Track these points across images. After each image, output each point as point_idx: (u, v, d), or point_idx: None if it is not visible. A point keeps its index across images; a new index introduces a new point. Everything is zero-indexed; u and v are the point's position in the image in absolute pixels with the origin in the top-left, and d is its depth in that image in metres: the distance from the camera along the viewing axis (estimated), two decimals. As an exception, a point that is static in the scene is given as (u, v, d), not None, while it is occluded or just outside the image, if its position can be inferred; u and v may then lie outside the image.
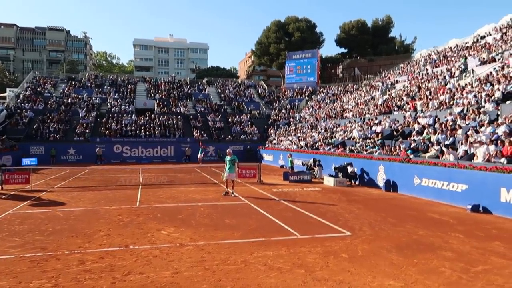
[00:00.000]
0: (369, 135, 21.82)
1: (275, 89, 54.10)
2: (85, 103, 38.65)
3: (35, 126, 33.31)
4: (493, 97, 17.96)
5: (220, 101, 45.30)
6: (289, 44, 61.90)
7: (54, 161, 30.56)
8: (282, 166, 28.48)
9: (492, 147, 12.79)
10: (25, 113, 34.95)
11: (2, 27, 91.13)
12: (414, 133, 18.33)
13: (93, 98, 40.22)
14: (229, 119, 39.85)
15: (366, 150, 19.79)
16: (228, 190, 15.34)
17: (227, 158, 15.52)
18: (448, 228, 10.04)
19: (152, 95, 43.70)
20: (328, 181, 18.87)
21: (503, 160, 12.04)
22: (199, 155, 29.10)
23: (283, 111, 42.89)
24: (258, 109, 44.12)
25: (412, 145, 16.89)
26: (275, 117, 41.19)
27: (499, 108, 16.82)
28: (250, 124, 39.44)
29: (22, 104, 36.82)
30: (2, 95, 55.10)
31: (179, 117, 38.67)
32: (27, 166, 21.00)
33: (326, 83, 50.02)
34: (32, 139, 32.09)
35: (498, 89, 18.19)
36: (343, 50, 70.05)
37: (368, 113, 25.68)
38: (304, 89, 47.88)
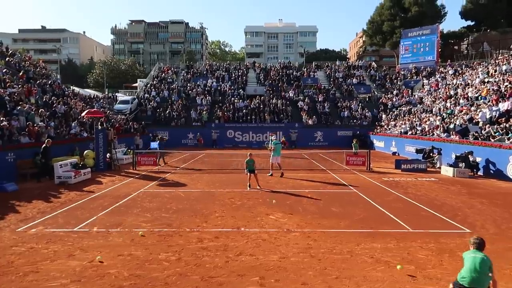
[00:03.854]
0: (498, 120, 19.32)
1: (388, 70, 51.00)
2: (202, 91, 41.70)
3: (160, 112, 37.15)
4: None
5: (329, 85, 44.55)
6: (404, 21, 57.37)
7: (215, 144, 34.12)
8: (394, 153, 27.06)
9: None
10: (152, 101, 39.24)
11: (133, 23, 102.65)
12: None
13: (209, 85, 43.14)
14: (338, 104, 39.02)
15: (494, 137, 17.63)
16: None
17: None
18: None
19: (262, 81, 45.03)
20: (447, 171, 17.37)
21: None
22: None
23: (396, 93, 40.35)
24: (369, 92, 42.22)
25: (554, 132, 14.53)
26: (387, 101, 38.99)
27: None
28: (360, 108, 38.06)
29: (150, 93, 41.35)
30: (134, 85, 62.56)
31: (287, 102, 39.23)
32: (154, 149, 23.61)
33: (447, 61, 45.22)
34: (158, 124, 35.91)
35: None
36: (469, 23, 62.35)
37: (498, 94, 22.62)
38: (421, 69, 44.20)
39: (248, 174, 14.07)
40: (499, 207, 11.02)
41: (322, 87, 43.12)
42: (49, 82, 29.47)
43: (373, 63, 53.07)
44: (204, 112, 37.16)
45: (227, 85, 43.27)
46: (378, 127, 33.85)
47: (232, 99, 39.97)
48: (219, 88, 42.85)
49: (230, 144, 34.96)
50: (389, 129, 31.60)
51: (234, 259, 6.88)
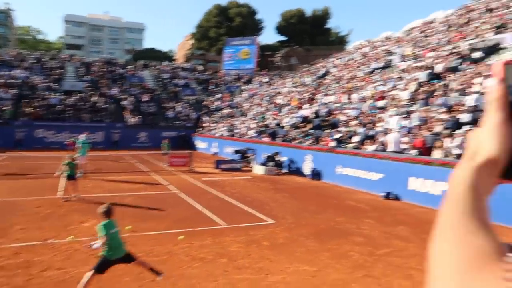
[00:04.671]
0: (299, 125, 22.72)
1: (213, 74, 53.71)
2: (5, 82, 35.44)
3: None
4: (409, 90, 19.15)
5: (155, 85, 44.04)
6: (229, 30, 61.70)
7: (20, 145, 29.25)
8: (215, 154, 28.65)
9: (402, 137, 14.13)
10: None
11: None
12: (340, 124, 19.46)
13: (15, 76, 37.01)
14: (163, 104, 38.98)
15: (295, 139, 20.63)
16: None
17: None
18: (362, 214, 10.97)
19: (82, 76, 41.27)
20: (259, 170, 19.44)
21: (414, 151, 13.35)
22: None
23: (218, 97, 42.87)
24: (193, 95, 43.58)
25: (337, 136, 17.94)
26: (210, 103, 41.06)
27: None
28: (185, 109, 38.94)
29: None
30: None
31: (110, 100, 37.02)
32: None
33: (263, 70, 50.60)
34: None
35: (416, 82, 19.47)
36: (283, 38, 71.19)
37: (300, 103, 26.62)
38: (241, 76, 48.17)
39: (66, 179, 11.98)
40: (296, 199, 12.98)
41: (148, 87, 42.37)
42: None
43: (199, 67, 55.02)
44: (8, 107, 31.74)
45: (39, 78, 38.01)
46: (201, 129, 35.30)
47: (45, 94, 35.35)
48: (28, 80, 37.25)
49: (40, 145, 30.63)
50: (211, 130, 33.33)
51: (38, 275, 6.19)
